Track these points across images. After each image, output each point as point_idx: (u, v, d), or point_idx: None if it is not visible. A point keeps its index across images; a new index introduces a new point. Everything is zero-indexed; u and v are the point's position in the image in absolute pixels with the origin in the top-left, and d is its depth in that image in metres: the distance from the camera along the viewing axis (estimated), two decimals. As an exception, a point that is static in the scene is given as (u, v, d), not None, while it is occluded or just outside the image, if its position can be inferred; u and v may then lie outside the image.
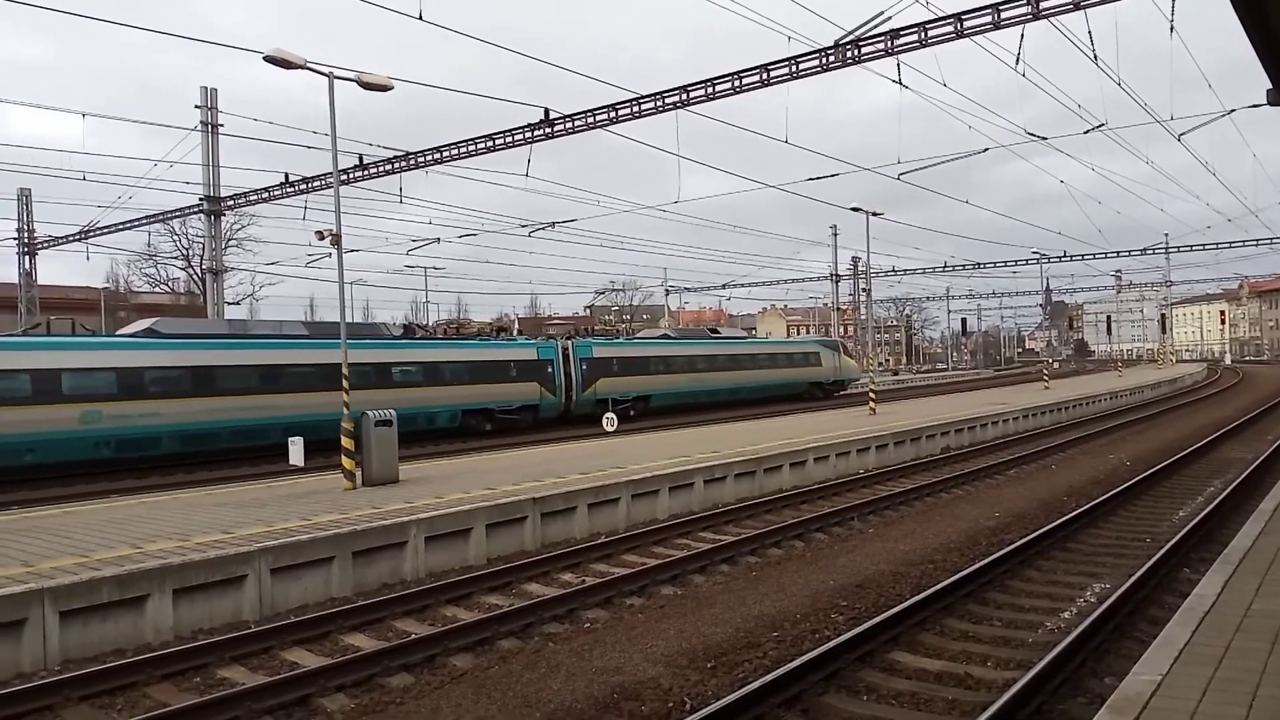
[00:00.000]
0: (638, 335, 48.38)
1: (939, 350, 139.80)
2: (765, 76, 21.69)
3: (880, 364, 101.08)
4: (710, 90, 22.59)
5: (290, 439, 17.85)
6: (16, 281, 40.41)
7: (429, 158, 28.23)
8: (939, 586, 8.94)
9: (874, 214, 29.06)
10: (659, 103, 23.37)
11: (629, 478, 14.36)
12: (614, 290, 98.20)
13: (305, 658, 7.99)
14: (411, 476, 15.50)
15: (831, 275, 68.51)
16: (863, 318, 75.66)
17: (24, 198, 39.23)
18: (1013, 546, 10.73)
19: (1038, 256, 56.88)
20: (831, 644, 7.26)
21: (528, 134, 25.60)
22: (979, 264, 64.41)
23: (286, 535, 10.08)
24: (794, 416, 30.27)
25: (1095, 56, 18.61)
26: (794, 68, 21.21)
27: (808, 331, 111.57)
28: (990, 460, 20.17)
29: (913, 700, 6.62)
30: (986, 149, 26.21)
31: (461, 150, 27.47)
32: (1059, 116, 75.77)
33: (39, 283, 41.35)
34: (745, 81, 22.03)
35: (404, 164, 28.76)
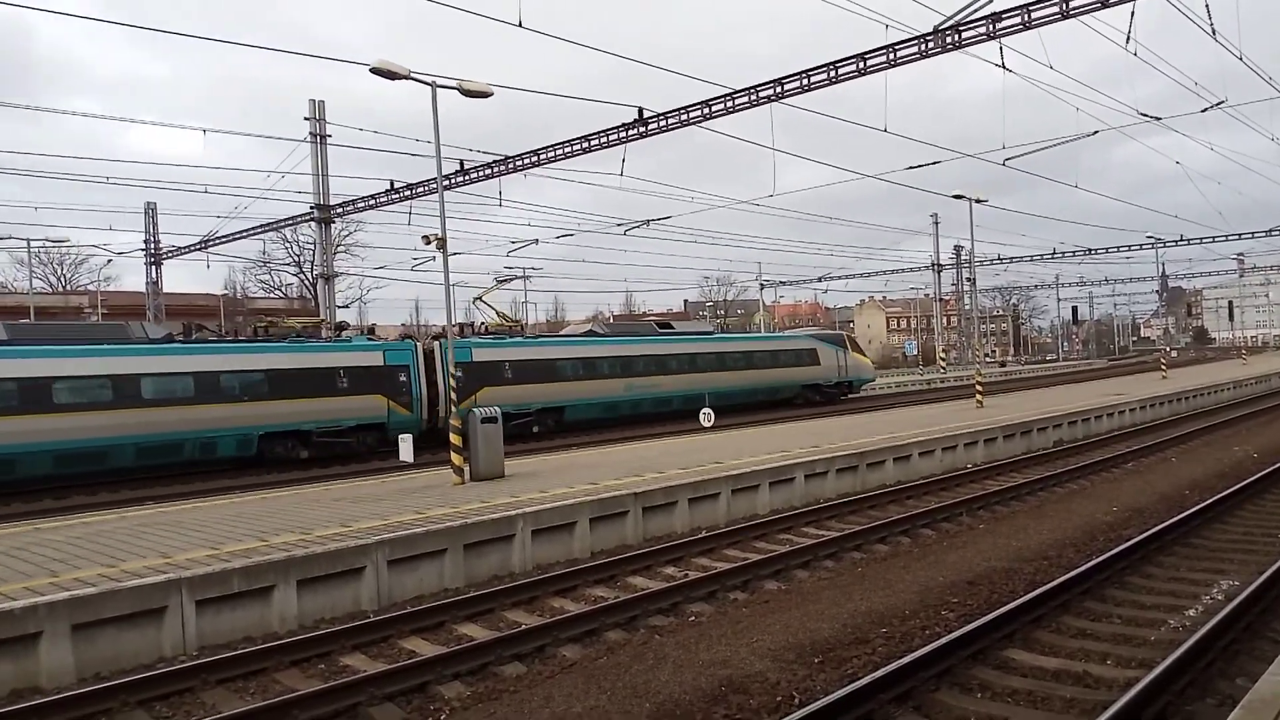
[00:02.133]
0: (546, 334, 41.35)
1: (1048, 340, 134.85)
2: (862, 66, 21.33)
3: (986, 355, 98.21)
4: (805, 82, 22.34)
5: (400, 436, 18.51)
6: (145, 290, 42.87)
7: (527, 161, 28.73)
8: (1054, 583, 8.68)
9: (977, 201, 28.22)
10: (753, 97, 23.24)
11: (728, 472, 14.36)
12: (709, 286, 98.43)
13: (422, 646, 8.28)
14: (516, 471, 15.86)
15: (933, 265, 66.88)
16: (967, 307, 73.62)
17: (150, 211, 41.58)
18: (1132, 542, 10.32)
19: (1153, 241, 54.17)
20: (943, 640, 7.14)
21: (622, 134, 25.79)
22: (1090, 250, 61.86)
23: (401, 528, 10.46)
24: (896, 411, 29.70)
25: (1213, 30, 17.68)
26: (892, 55, 20.80)
27: (907, 324, 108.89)
28: (1106, 453, 19.40)
29: (1029, 698, 6.47)
30: (1096, 131, 25.17)
31: (558, 152, 27.87)
32: (1174, 94, 72.08)
33: (165, 290, 43.84)
34: (841, 72, 21.71)
35: (503, 168, 29.34)
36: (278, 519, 11.82)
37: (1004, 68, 19.75)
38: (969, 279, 67.41)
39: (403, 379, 25.70)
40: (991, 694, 6.59)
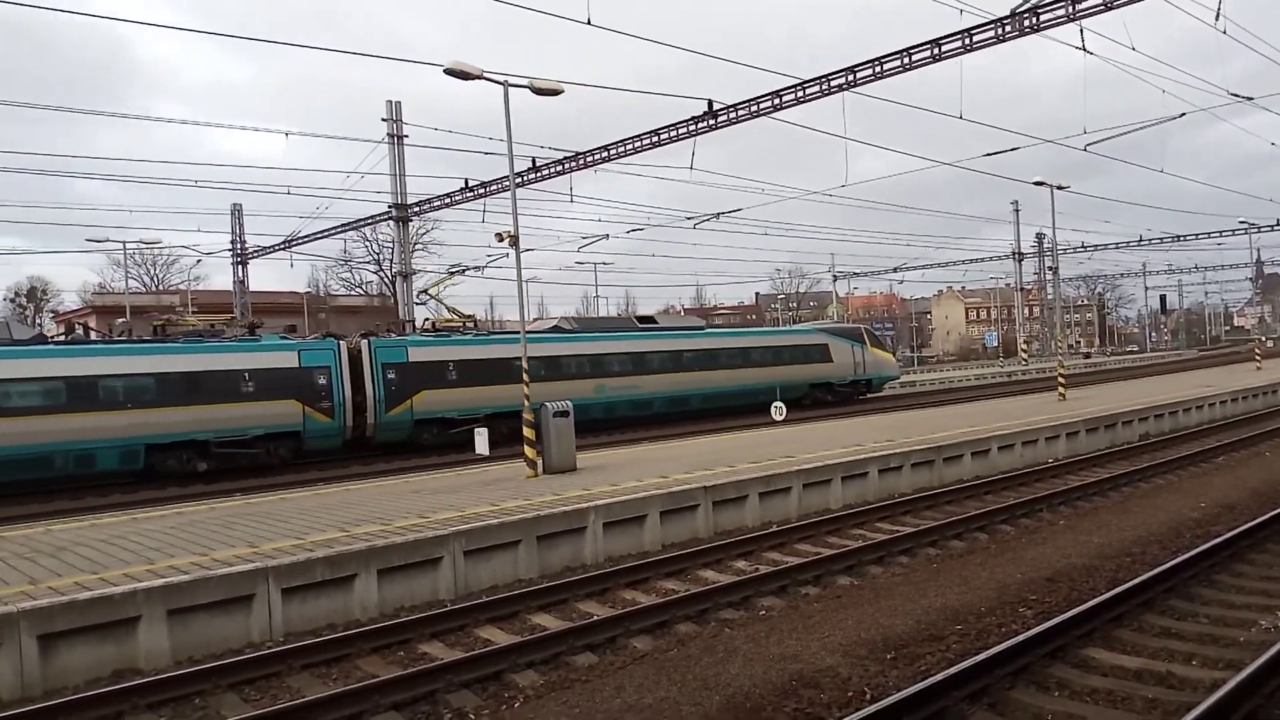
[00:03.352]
0: (500, 330, 37.84)
1: (1135, 330, 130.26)
2: (936, 51, 20.95)
3: (1070, 346, 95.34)
4: (878, 69, 22.04)
5: (476, 430, 18.90)
6: (232, 288, 44.46)
7: (597, 156, 28.96)
8: (1137, 580, 8.43)
9: (1059, 187, 27.45)
10: (824, 86, 23.02)
11: (800, 467, 14.28)
12: (780, 278, 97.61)
13: (497, 635, 8.47)
14: (588, 465, 16.03)
15: (1014, 253, 65.34)
16: (1049, 297, 71.57)
17: (236, 212, 43.10)
18: (1221, 539, 9.95)
19: (1246, 226, 51.93)
20: (1020, 638, 7.01)
21: (692, 127, 25.81)
22: (1178, 236, 59.62)
23: (477, 520, 10.69)
24: (975, 404, 29.09)
25: (1313, 2, 16.84)
26: (967, 40, 20.38)
27: (987, 314, 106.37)
28: (1195, 447, 18.71)
29: (1109, 698, 6.31)
30: (1183, 113, 24.29)
31: (628, 147, 28.03)
32: (1267, 72, 68.82)
33: (251, 288, 45.42)
34: (916, 58, 21.37)
35: (574, 164, 29.63)
36: (359, 510, 12.20)
37: (1084, 50, 19.17)
38: (1051, 267, 65.58)
39: (322, 382, 23.17)
40: (1070, 693, 6.46)
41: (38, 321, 65.89)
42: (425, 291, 33.24)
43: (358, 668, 7.81)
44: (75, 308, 63.63)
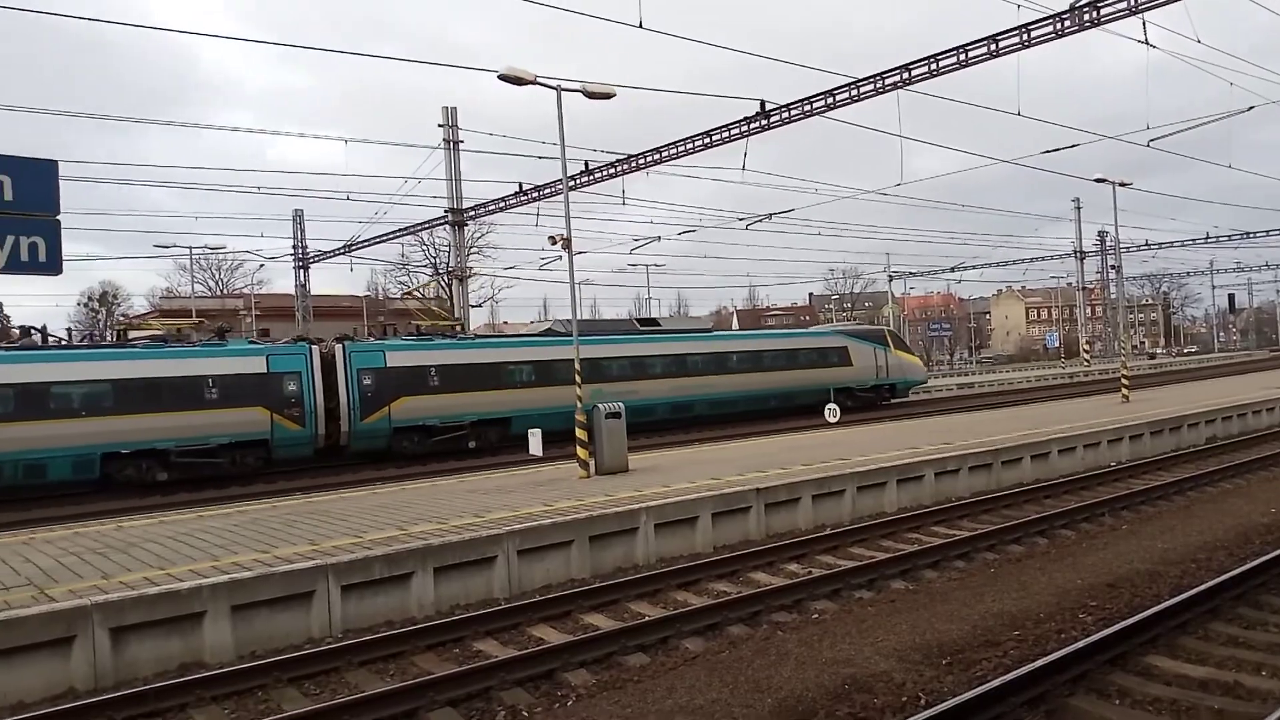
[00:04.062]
0: (491, 334, 34.89)
1: (1203, 330, 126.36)
2: (994, 48, 20.60)
3: (1134, 347, 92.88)
4: (934, 67, 21.74)
5: (530, 430, 19.05)
6: (294, 292, 45.46)
7: (649, 159, 29.01)
8: (1203, 587, 8.21)
9: (1121, 184, 26.80)
10: (878, 84, 22.78)
11: (854, 469, 14.16)
12: (834, 279, 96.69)
13: (550, 634, 8.55)
14: (640, 466, 16.08)
15: (1075, 252, 63.93)
16: (1112, 296, 69.82)
17: (298, 218, 44.06)
18: (1294, 547, 9.64)
19: (1321, 221, 50.03)
20: (1079, 644, 6.88)
21: (744, 127, 25.73)
22: (1247, 233, 57.66)
23: (530, 520, 10.80)
24: (1035, 406, 28.51)
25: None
26: (1025, 36, 20.00)
27: (1048, 314, 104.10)
28: (1265, 451, 18.12)
29: (1171, 707, 6.16)
30: (1252, 107, 23.51)
31: (680, 149, 28.03)
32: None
33: (312, 292, 46.44)
34: (971, 55, 21.04)
35: (626, 167, 29.71)
36: (416, 509, 12.40)
37: (1147, 44, 18.68)
38: (1114, 266, 63.96)
39: (292, 388, 22.21)
40: (1131, 701, 6.32)
41: (108, 325, 68.09)
42: (411, 294, 32.54)
43: (414, 664, 7.95)
44: (144, 311, 65.75)
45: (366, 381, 23.43)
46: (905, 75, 22.26)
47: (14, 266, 9.69)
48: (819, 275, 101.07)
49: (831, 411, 27.18)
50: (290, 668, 7.63)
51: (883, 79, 22.71)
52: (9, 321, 27.01)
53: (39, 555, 10.21)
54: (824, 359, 34.12)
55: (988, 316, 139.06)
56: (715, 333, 35.52)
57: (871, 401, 35.13)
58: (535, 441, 18.64)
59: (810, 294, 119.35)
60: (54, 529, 12.80)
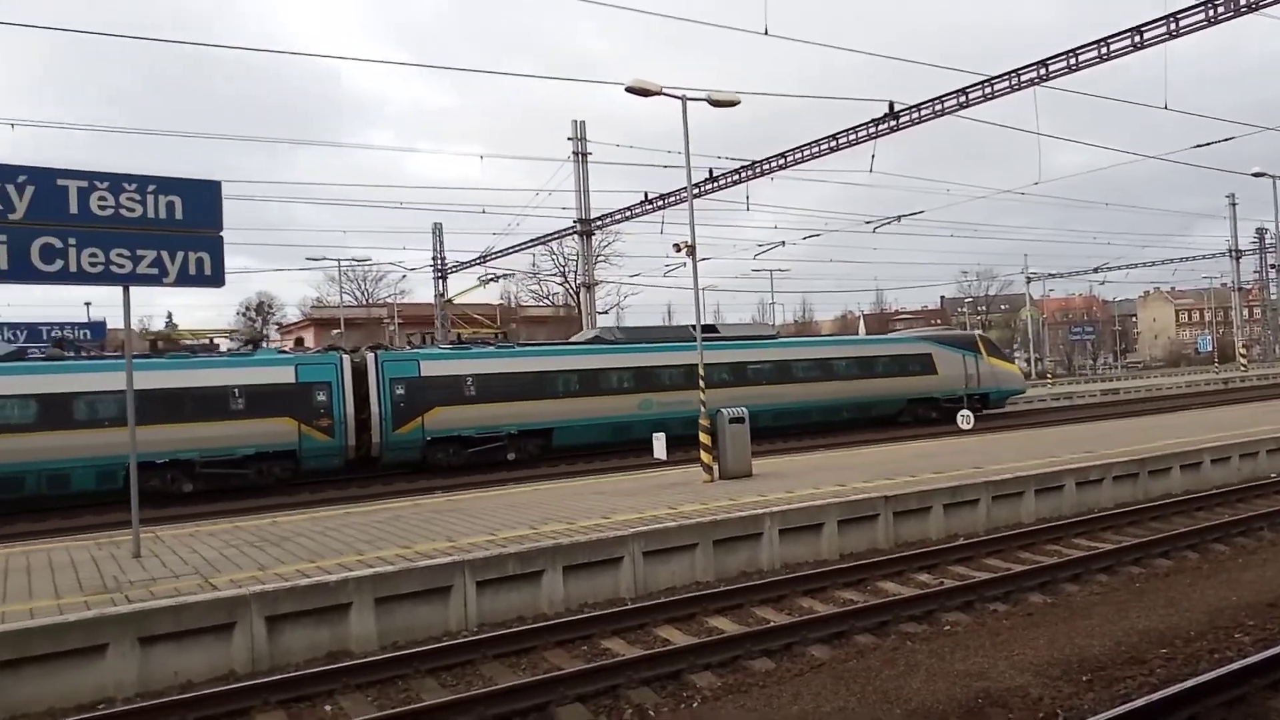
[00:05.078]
0: (535, 342, 32.75)
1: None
2: (1138, 40, 19.60)
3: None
4: (1073, 61, 20.86)
5: (655, 434, 19.28)
6: (433, 301, 47.31)
7: (774, 164, 28.88)
8: (1379, 611, 7.61)
9: (1284, 177, 24.96)
10: (1014, 81, 22.03)
11: (988, 478, 13.72)
12: (968, 281, 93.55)
13: (675, 635, 8.66)
14: (763, 471, 16.03)
15: (1230, 251, 59.89)
16: (1273, 297, 65.24)
17: (437, 230, 45.85)
18: None
19: None
20: (1235, 665, 6.50)
21: (872, 129, 25.31)
22: None
23: (655, 522, 10.95)
24: (1186, 414, 26.85)
25: None
26: (1173, 26, 18.94)
27: (1200, 317, 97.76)
28: None
29: (1341, 738, 5.76)
30: None
31: (805, 153, 27.80)
32: None
33: (452, 301, 48.20)
34: (1114, 48, 20.08)
35: (750, 172, 29.68)
36: (546, 509, 12.75)
37: (1315, 25, 17.37)
38: (1274, 265, 59.58)
39: (321, 398, 21.88)
40: (1294, 729, 5.93)
41: (264, 333, 72.54)
42: (450, 300, 32.25)
43: (544, 659, 8.19)
44: (296, 320, 69.72)
45: (399, 391, 23.08)
46: (1043, 71, 21.42)
47: (183, 280, 10.53)
48: (951, 278, 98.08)
49: (964, 418, 26.35)
50: (429, 659, 7.97)
51: (1018, 75, 21.92)
52: (178, 329, 28.71)
53: (203, 547, 11.03)
54: (904, 367, 32.19)
55: (1134, 319, 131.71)
56: (781, 340, 33.68)
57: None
58: (660, 445, 18.86)
59: (942, 297, 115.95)
60: (216, 523, 13.79)
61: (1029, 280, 70.76)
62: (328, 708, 7.24)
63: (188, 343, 24.74)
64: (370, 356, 23.32)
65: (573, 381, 25.73)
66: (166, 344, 23.43)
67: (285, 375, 21.85)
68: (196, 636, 7.96)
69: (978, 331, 40.05)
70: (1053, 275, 71.38)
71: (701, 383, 16.11)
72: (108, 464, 19.20)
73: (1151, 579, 9.95)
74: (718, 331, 29.69)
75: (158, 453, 19.79)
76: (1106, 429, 22.50)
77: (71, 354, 21.66)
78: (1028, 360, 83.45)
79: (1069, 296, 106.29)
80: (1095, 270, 67.14)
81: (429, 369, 23.75)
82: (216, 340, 25.47)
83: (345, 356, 23.19)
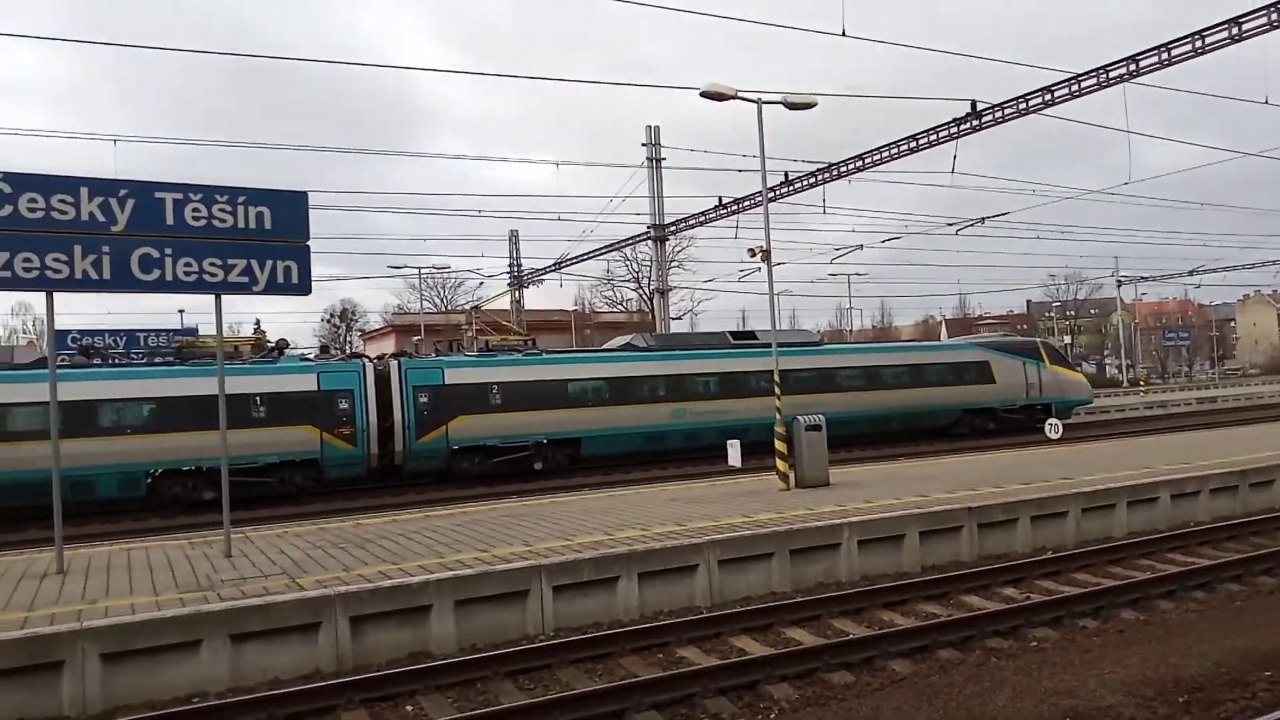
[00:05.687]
0: (563, 349, 31.33)
1: None
2: (1235, 31, 18.78)
3: None
4: (1165, 56, 20.08)
5: (729, 441, 19.15)
6: (510, 308, 48.02)
7: (851, 166, 28.49)
8: None
9: (1400, 174, 23.58)
10: (1102, 78, 21.31)
11: (1078, 489, 13.27)
12: (1055, 284, 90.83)
13: (751, 645, 8.58)
14: (841, 480, 15.79)
15: (1340, 252, 56.78)
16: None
17: (513, 238, 46.56)
18: None
19: None
20: (1346, 692, 6.15)
21: (953, 129, 24.78)
22: None
23: (731, 530, 10.88)
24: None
25: None
26: (1274, 16, 18.08)
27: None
28: None
29: None
30: None
31: (884, 154, 27.36)
32: None
33: (526, 307, 48.89)
34: (1210, 40, 19.26)
35: (826, 175, 29.34)
36: (621, 515, 12.79)
37: None
38: (1392, 266, 56.45)
39: (344, 406, 21.78)
40: None
41: (348, 340, 74.54)
42: (476, 308, 31.55)
43: (620, 666, 8.20)
44: (378, 326, 71.46)
45: (423, 399, 22.80)
46: (1133, 67, 20.68)
47: (272, 288, 10.89)
48: (1038, 281, 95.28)
49: (1053, 428, 25.54)
50: (507, 662, 8.05)
51: (1106, 72, 21.22)
52: (266, 336, 28.87)
53: (290, 548, 11.36)
54: (959, 375, 30.76)
55: (1232, 324, 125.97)
56: (825, 346, 32.69)
57: (1024, 424, 30.98)
58: (734, 453, 18.73)
59: (1028, 301, 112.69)
60: (302, 524, 14.20)
61: (1120, 284, 68.33)
62: (409, 708, 7.37)
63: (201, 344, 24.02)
64: (393, 364, 23.20)
65: (603, 390, 25.28)
66: (191, 349, 23.44)
67: (307, 383, 21.80)
68: (284, 635, 8.19)
69: (1041, 339, 38.16)
70: (1145, 278, 68.74)
71: (778, 389, 15.95)
72: (130, 471, 19.68)
73: (1253, 597, 9.51)
74: (755, 338, 28.76)
75: (178, 460, 20.06)
76: (1203, 439, 21.58)
77: (98, 361, 22.04)
78: (1119, 367, 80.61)
79: (1162, 300, 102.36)
80: (1190, 273, 64.41)
81: (453, 376, 23.49)
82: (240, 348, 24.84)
83: (368, 364, 23.16)
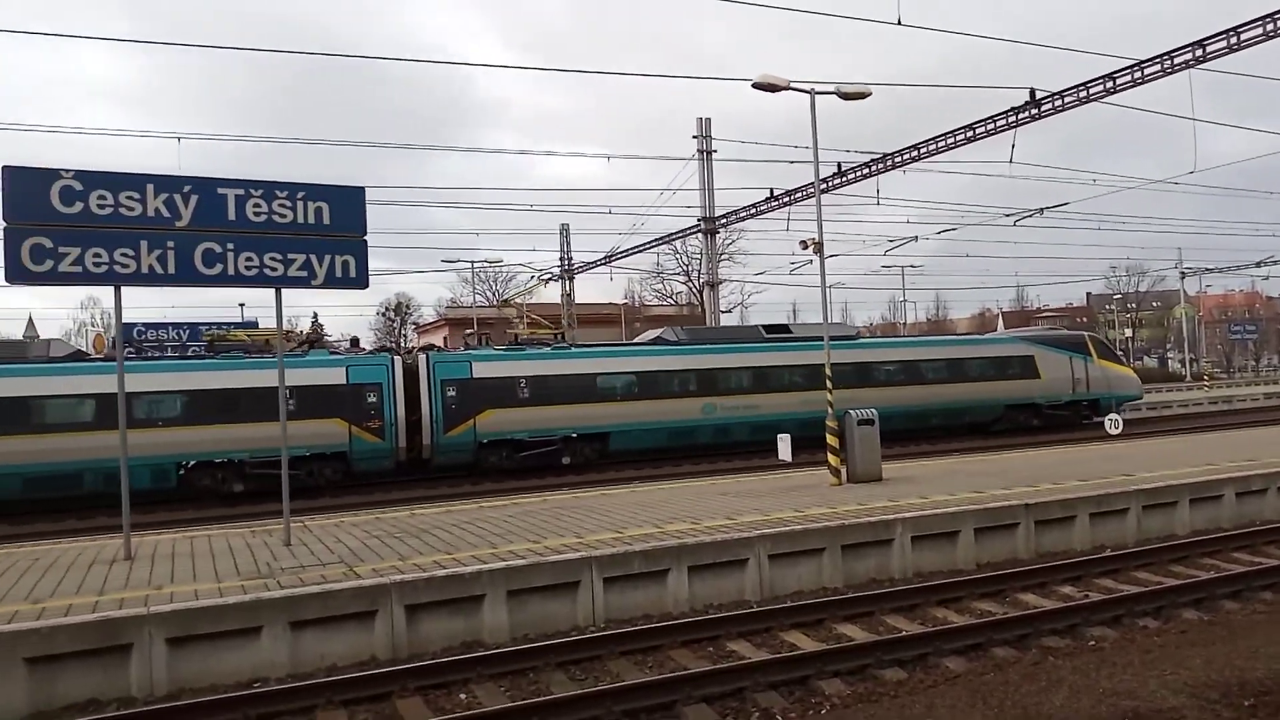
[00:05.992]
0: (591, 343, 30.06)
1: None
2: (1312, 12, 18.09)
3: None
4: (1233, 41, 19.46)
5: (779, 435, 19.00)
6: (559, 300, 48.30)
7: (905, 156, 28.10)
8: None
9: None
10: (1166, 64, 20.71)
11: (1138, 486, 12.98)
12: (1117, 276, 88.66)
13: (802, 640, 8.55)
14: (894, 476, 15.64)
15: None
16: None
17: (564, 231, 46.78)
18: None
19: None
20: None
21: (1011, 118, 24.32)
22: None
23: (781, 525, 10.84)
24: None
25: None
26: (1354, -5, 17.40)
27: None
28: None
29: None
30: None
31: (939, 144, 26.94)
32: None
33: (576, 300, 49.12)
34: (1283, 22, 18.60)
35: (880, 166, 28.98)
36: (670, 508, 12.81)
37: None
38: None
39: (372, 400, 21.86)
40: None
41: (402, 333, 75.58)
42: (508, 302, 31.26)
43: (670, 658, 8.23)
44: (432, 320, 72.40)
45: (451, 393, 22.82)
46: (1199, 52, 20.07)
47: (330, 282, 11.11)
48: (1098, 273, 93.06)
49: (1113, 423, 24.95)
50: (559, 652, 8.13)
51: (1171, 58, 20.62)
52: (323, 329, 29.05)
53: (347, 537, 11.60)
54: (1001, 370, 29.95)
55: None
56: (862, 340, 31.72)
57: (1070, 420, 30.42)
58: (784, 447, 18.57)
59: (1088, 294, 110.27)
60: (359, 514, 14.47)
61: (1183, 275, 66.50)
62: (462, 696, 7.48)
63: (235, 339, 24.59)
64: (421, 357, 23.32)
65: (632, 384, 25.07)
66: (223, 343, 23.66)
67: (336, 376, 21.83)
68: (341, 622, 8.37)
69: (1088, 333, 36.92)
70: (1210, 270, 66.72)
71: (829, 384, 15.82)
72: (162, 463, 19.99)
73: (1325, 599, 9.21)
74: (789, 332, 28.24)
75: (208, 453, 20.33)
76: (1271, 435, 20.92)
77: (133, 354, 21.80)
78: (1182, 361, 78.44)
79: (1228, 293, 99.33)
80: (1258, 264, 62.24)
81: (481, 370, 23.49)
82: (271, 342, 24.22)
83: (396, 358, 23.27)
